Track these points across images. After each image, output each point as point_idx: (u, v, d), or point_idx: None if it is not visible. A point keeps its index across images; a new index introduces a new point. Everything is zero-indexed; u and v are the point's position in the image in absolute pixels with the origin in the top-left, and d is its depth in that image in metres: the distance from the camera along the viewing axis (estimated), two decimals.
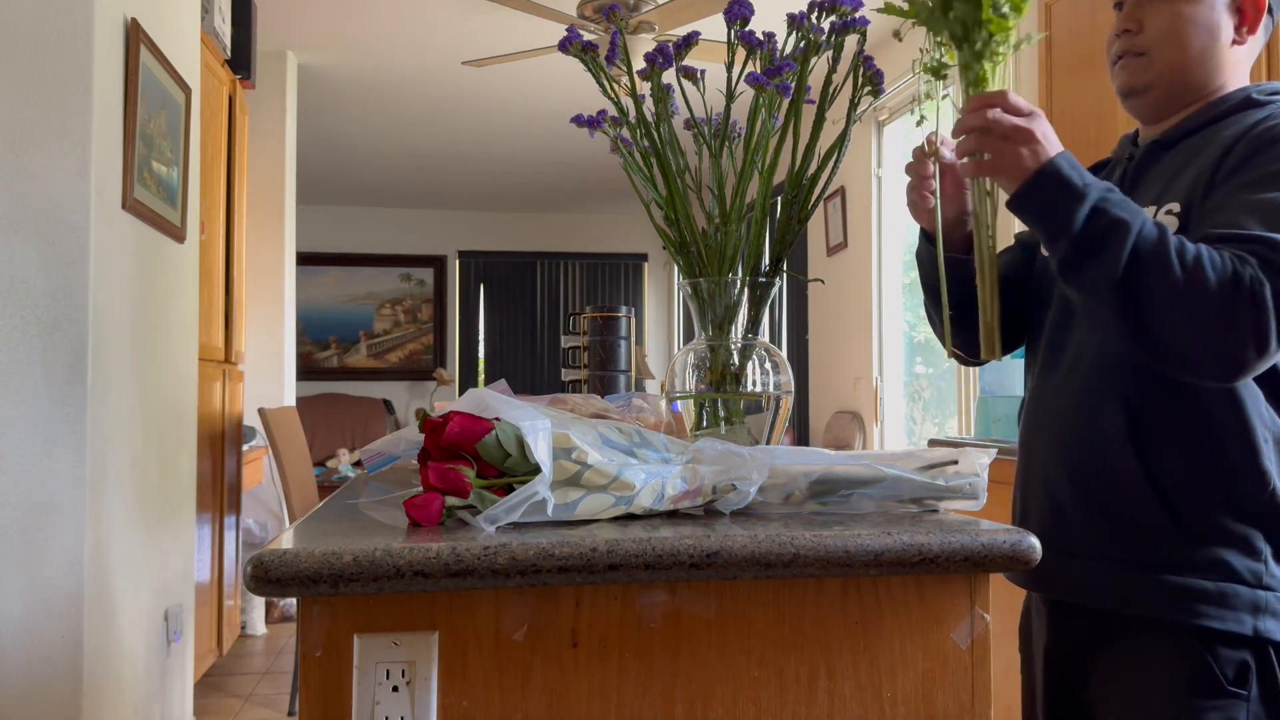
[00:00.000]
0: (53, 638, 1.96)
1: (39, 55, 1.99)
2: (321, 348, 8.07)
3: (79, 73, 2.02)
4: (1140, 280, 1.00)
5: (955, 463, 0.94)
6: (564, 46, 1.26)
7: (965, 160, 1.08)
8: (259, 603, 4.33)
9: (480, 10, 4.13)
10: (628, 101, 1.26)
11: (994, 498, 1.06)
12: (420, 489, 0.86)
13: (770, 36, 1.23)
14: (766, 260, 1.23)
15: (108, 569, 2.13)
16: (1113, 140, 1.44)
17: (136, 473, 2.33)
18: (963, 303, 1.20)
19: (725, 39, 1.25)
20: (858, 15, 1.21)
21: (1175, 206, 1.13)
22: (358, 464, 6.33)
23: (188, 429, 2.84)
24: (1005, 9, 1.05)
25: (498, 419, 0.85)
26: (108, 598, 2.13)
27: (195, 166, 2.85)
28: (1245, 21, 1.18)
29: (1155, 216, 1.13)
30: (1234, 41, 1.19)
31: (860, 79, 1.24)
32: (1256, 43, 1.21)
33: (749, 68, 1.22)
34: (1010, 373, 2.71)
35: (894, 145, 4.69)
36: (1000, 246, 1.31)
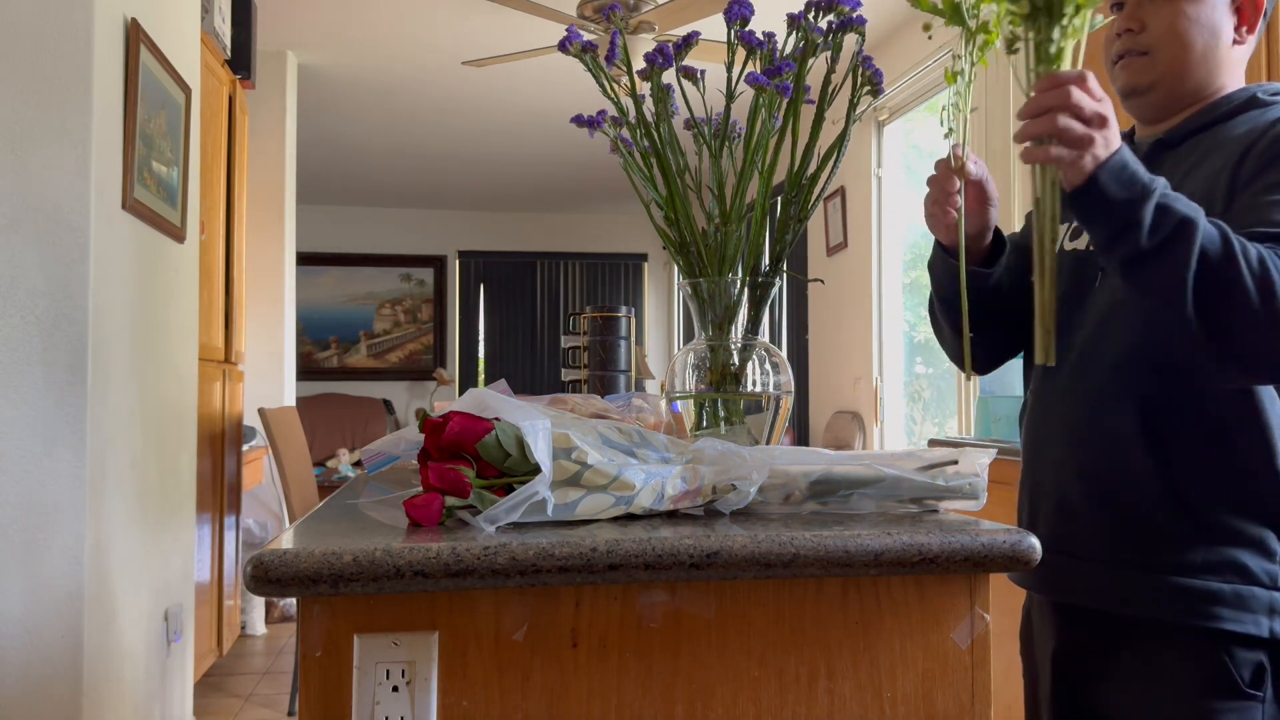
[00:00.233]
0: (53, 638, 1.96)
1: (39, 55, 1.99)
2: (321, 348, 8.07)
3: (79, 73, 2.02)
4: (1209, 280, 0.97)
5: (955, 463, 0.94)
6: (564, 46, 1.26)
7: (1030, 145, 1.00)
8: (259, 603, 4.33)
9: (480, 10, 4.13)
10: (628, 101, 1.26)
11: (994, 498, 1.06)
12: (420, 489, 0.86)
13: (770, 36, 1.23)
14: (766, 260, 1.23)
15: (108, 569, 2.13)
16: None
17: (136, 473, 2.33)
18: (976, 316, 1.17)
19: (725, 39, 1.25)
20: (856, 15, 1.21)
21: None
22: (358, 464, 6.33)
23: (188, 429, 2.84)
24: None
25: (498, 419, 0.85)
26: (108, 598, 2.13)
27: (195, 166, 2.85)
28: (1244, 21, 1.19)
29: None
30: (1234, 41, 1.19)
31: (860, 79, 1.24)
32: (1252, 43, 1.21)
33: (749, 68, 1.22)
34: (1010, 373, 2.71)
35: (894, 145, 4.69)
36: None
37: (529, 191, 7.62)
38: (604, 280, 8.48)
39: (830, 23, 1.21)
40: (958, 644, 0.84)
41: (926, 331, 4.74)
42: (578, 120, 1.27)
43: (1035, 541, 0.82)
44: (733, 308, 1.18)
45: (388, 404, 7.91)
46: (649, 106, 1.24)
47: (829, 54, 1.22)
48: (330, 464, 6.68)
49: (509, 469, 0.85)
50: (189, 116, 2.73)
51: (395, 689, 0.76)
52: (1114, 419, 1.14)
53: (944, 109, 1.10)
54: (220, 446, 3.45)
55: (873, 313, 4.70)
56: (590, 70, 1.27)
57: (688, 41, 1.26)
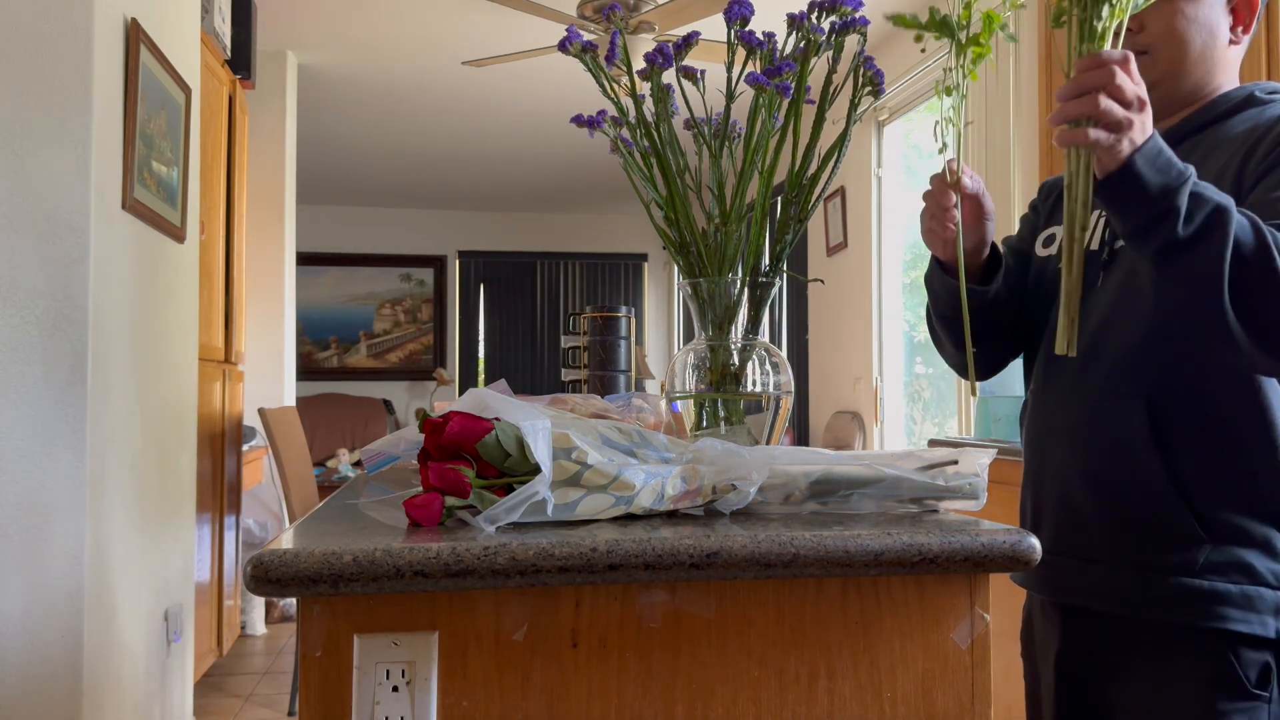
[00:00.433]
0: (53, 638, 1.96)
1: (39, 55, 1.99)
2: (321, 348, 8.07)
3: (79, 73, 2.02)
4: (1245, 268, 0.95)
5: (955, 463, 0.94)
6: (564, 46, 1.26)
7: (1066, 127, 0.97)
8: (259, 603, 4.33)
9: (480, 10, 4.13)
10: (628, 102, 1.26)
11: (994, 498, 1.06)
12: (420, 489, 0.86)
13: (770, 36, 1.23)
14: (766, 260, 1.23)
15: (108, 569, 2.13)
16: None
17: (136, 473, 2.33)
18: (975, 330, 1.16)
19: (725, 39, 1.25)
20: (858, 15, 1.20)
21: None
22: (358, 464, 6.33)
23: (188, 429, 2.84)
24: None
25: (498, 419, 0.85)
26: (108, 598, 2.13)
27: (195, 166, 2.85)
28: (1240, 21, 1.20)
29: None
30: (1230, 41, 1.20)
31: (860, 79, 1.24)
32: (1246, 42, 1.22)
33: (749, 68, 1.21)
34: (1010, 373, 2.70)
35: (894, 145, 4.69)
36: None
37: (529, 191, 7.62)
38: (604, 280, 8.48)
39: (833, 24, 1.21)
40: (958, 644, 0.84)
41: (926, 331, 4.74)
42: (578, 120, 1.27)
43: (1035, 542, 0.82)
44: (733, 308, 1.18)
45: (388, 404, 7.91)
46: (649, 106, 1.24)
47: (830, 54, 1.22)
48: (330, 464, 6.68)
49: (509, 469, 0.85)
50: (189, 116, 2.73)
51: (395, 689, 0.76)
52: (1118, 419, 1.14)
53: (938, 123, 1.08)
54: (220, 446, 3.45)
55: (873, 313, 4.70)
56: (590, 70, 1.27)
57: (688, 41, 1.26)
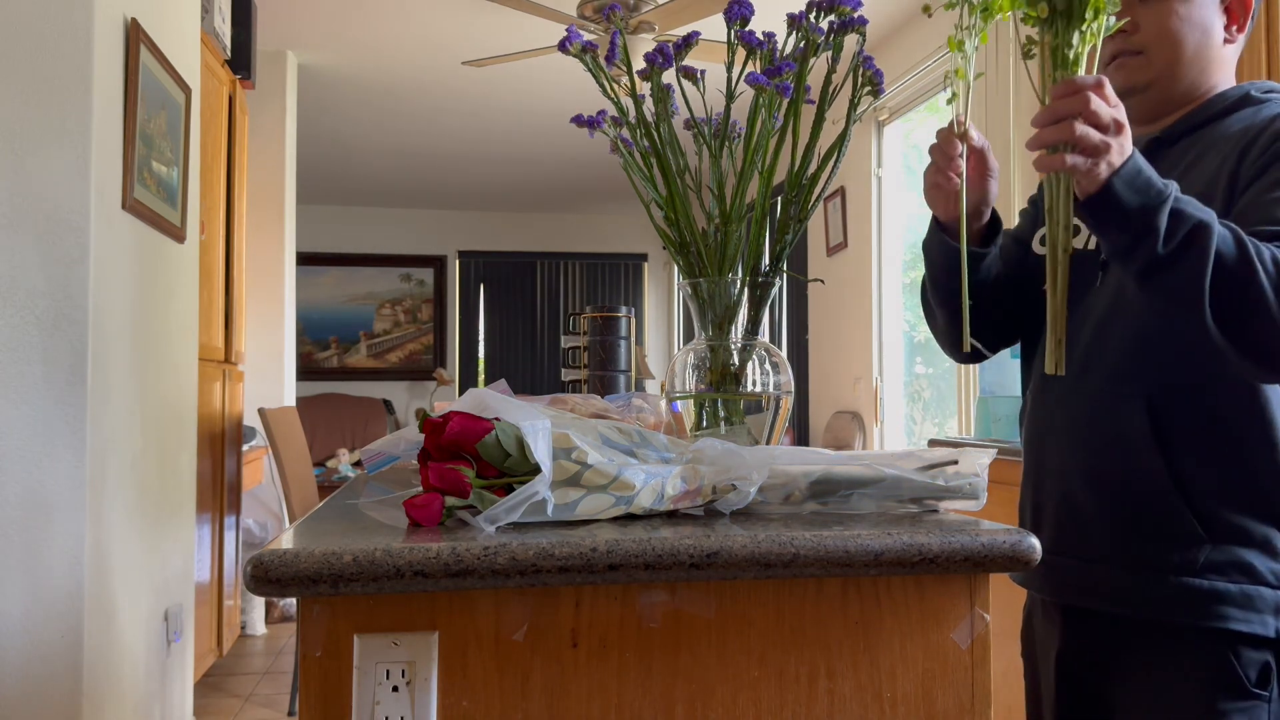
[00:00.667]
0: (53, 638, 1.96)
1: (39, 55, 1.99)
2: (321, 348, 8.07)
3: (79, 73, 2.02)
4: (1226, 283, 0.96)
5: (955, 463, 0.94)
6: (564, 46, 1.26)
7: (1044, 152, 0.98)
8: (259, 603, 4.33)
9: (480, 10, 4.13)
10: (628, 102, 1.26)
11: (994, 498, 1.06)
12: (420, 489, 0.86)
13: (770, 36, 1.23)
14: (766, 260, 1.23)
15: (108, 569, 2.13)
16: None
17: (136, 473, 2.33)
18: (973, 297, 1.15)
19: (725, 39, 1.25)
20: (857, 15, 1.21)
21: None
22: (358, 464, 6.33)
23: (188, 429, 2.84)
24: None
25: (498, 419, 0.85)
26: (108, 598, 2.13)
27: (195, 166, 2.85)
28: (1234, 21, 1.20)
29: None
30: (1225, 40, 1.20)
31: (860, 79, 1.24)
32: (1241, 41, 1.22)
33: (749, 68, 1.21)
34: (1010, 373, 2.71)
35: (894, 145, 4.69)
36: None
37: (529, 191, 7.62)
38: (604, 280, 8.48)
39: (831, 23, 1.21)
40: (958, 644, 0.84)
41: (926, 331, 4.73)
42: (578, 120, 1.27)
43: (1035, 542, 0.82)
44: (733, 308, 1.18)
45: (388, 404, 7.91)
46: (649, 106, 1.24)
47: (829, 54, 1.22)
48: (330, 464, 6.68)
49: (509, 469, 0.85)
50: (189, 116, 2.73)
51: (395, 689, 0.76)
52: (1119, 419, 1.14)
53: (947, 75, 1.08)
54: (220, 446, 3.45)
55: (873, 313, 4.70)
56: (590, 70, 1.27)
57: (688, 41, 1.26)
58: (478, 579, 0.74)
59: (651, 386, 5.31)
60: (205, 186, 3.19)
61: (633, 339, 3.63)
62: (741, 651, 0.81)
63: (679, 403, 1.19)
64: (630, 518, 0.87)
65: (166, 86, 2.52)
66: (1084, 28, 0.98)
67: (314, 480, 3.63)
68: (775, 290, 1.22)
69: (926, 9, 1.08)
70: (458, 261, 8.27)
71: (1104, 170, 0.96)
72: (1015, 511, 1.33)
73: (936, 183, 1.17)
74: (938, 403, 4.57)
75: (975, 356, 1.40)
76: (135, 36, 2.25)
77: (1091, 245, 1.24)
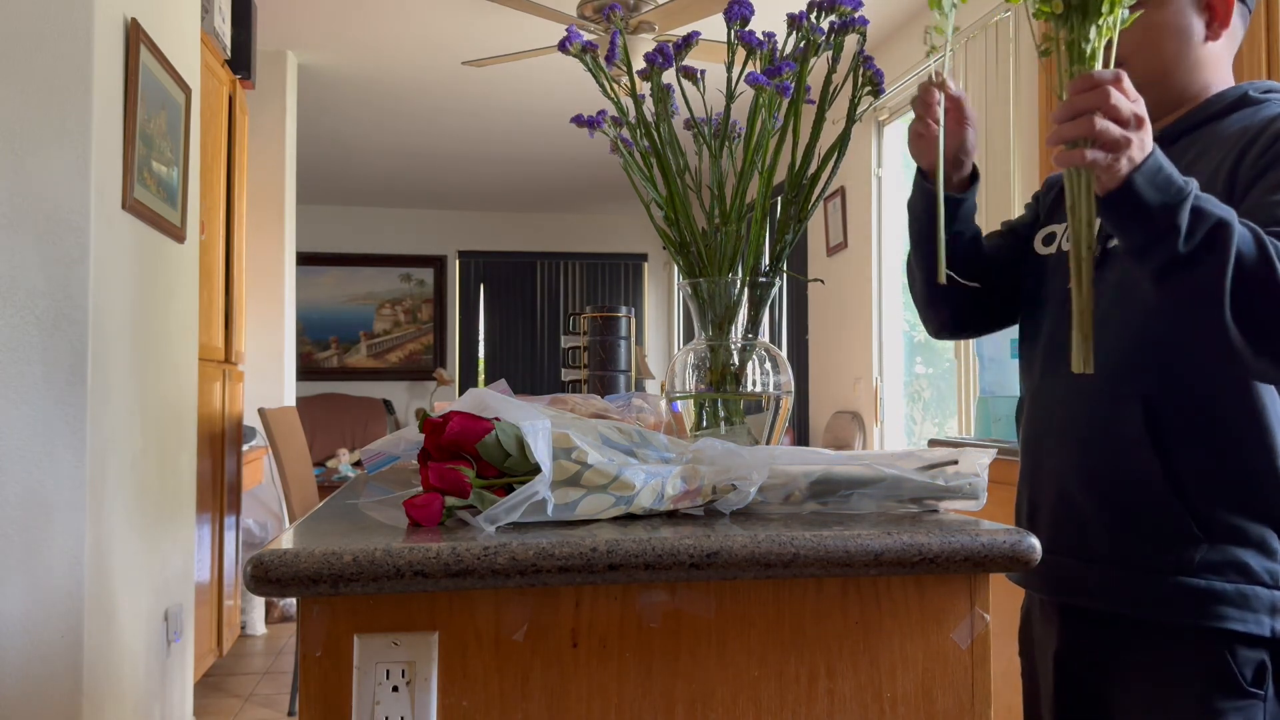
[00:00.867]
0: (53, 638, 1.96)
1: (39, 55, 1.99)
2: (321, 348, 8.07)
3: (79, 73, 2.02)
4: (1247, 282, 0.96)
5: (955, 463, 0.94)
6: (564, 46, 1.26)
7: (1063, 148, 0.97)
8: (259, 603, 4.33)
9: (480, 10, 4.13)
10: (628, 101, 1.26)
11: (994, 498, 1.06)
12: (420, 489, 0.86)
13: (770, 36, 1.23)
14: (766, 260, 1.23)
15: (108, 569, 2.13)
16: None
17: (136, 473, 2.33)
18: (952, 250, 1.20)
19: (725, 39, 1.25)
20: (858, 15, 1.21)
21: None
22: (358, 464, 6.34)
23: (188, 429, 2.84)
24: None
25: (498, 419, 0.85)
26: (108, 598, 2.13)
27: (195, 166, 2.85)
28: (1216, 18, 1.19)
29: None
30: (1207, 39, 1.19)
31: (860, 79, 1.24)
32: (1234, 35, 1.21)
33: (749, 68, 1.22)
34: (1010, 373, 2.71)
35: (894, 145, 4.69)
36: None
37: (529, 191, 7.62)
38: (604, 280, 8.48)
39: (831, 23, 1.21)
40: (958, 644, 0.84)
41: (926, 331, 4.74)
42: (578, 120, 1.27)
43: (1035, 542, 0.82)
44: (733, 308, 1.18)
45: (388, 404, 7.91)
46: (649, 106, 1.24)
47: (829, 54, 1.22)
48: (330, 464, 6.68)
49: (509, 469, 0.85)
50: (189, 116, 2.73)
51: (395, 689, 0.76)
52: (1116, 420, 1.14)
53: (928, 30, 1.10)
54: (220, 446, 3.45)
55: (873, 313, 4.70)
56: (590, 70, 1.27)
57: (688, 41, 1.26)
58: (478, 579, 0.74)
59: (651, 386, 5.31)
60: (205, 186, 3.19)
61: (633, 339, 3.63)
62: (741, 651, 0.81)
63: (679, 403, 1.19)
64: (630, 518, 0.87)
65: (166, 86, 2.52)
66: (1100, 21, 0.97)
67: (314, 480, 3.63)
68: (775, 290, 1.22)
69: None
70: (458, 261, 8.27)
71: (1124, 165, 0.95)
72: (1014, 511, 1.33)
73: (918, 131, 1.20)
74: (938, 403, 4.57)
75: (955, 329, 1.41)
76: (135, 36, 2.25)
77: (1124, 251, 1.24)
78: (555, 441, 0.85)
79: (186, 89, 2.70)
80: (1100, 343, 1.17)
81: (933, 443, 2.97)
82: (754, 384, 1.18)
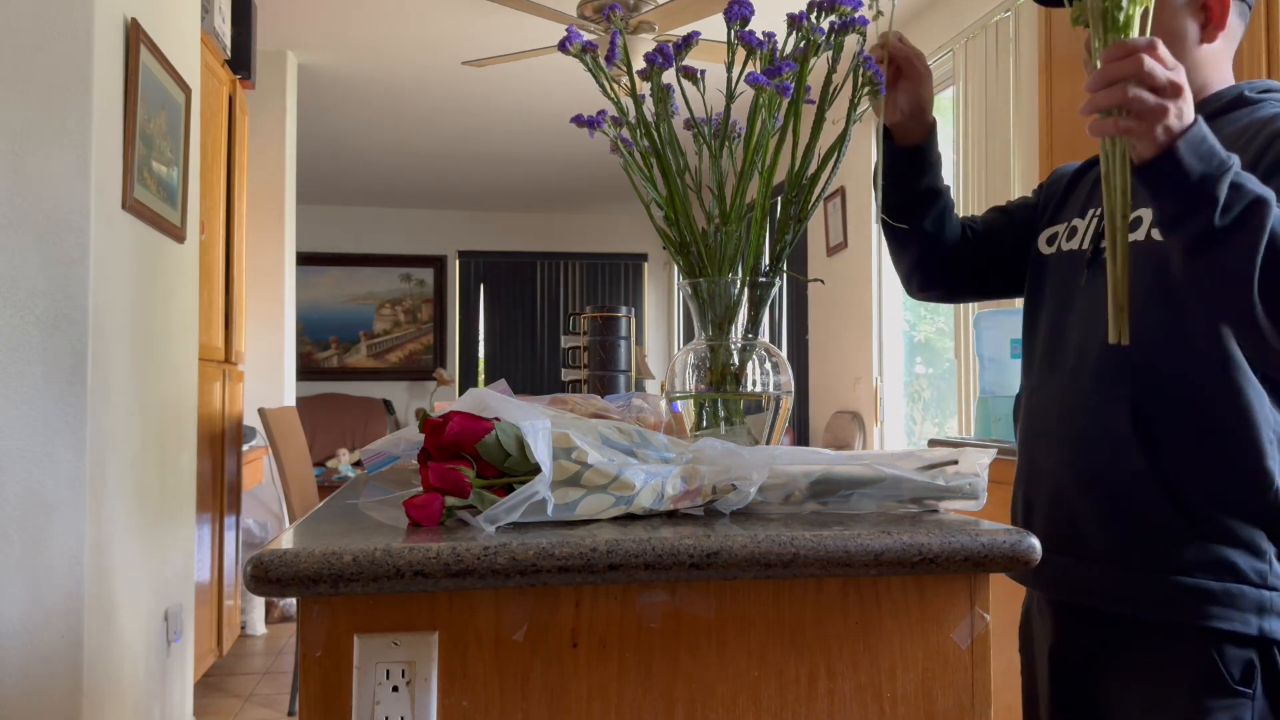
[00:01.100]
0: (53, 638, 1.96)
1: (39, 55, 1.99)
2: (321, 348, 8.07)
3: (79, 73, 2.02)
4: (1277, 261, 0.94)
5: (955, 463, 0.94)
6: (564, 46, 1.26)
7: (1098, 117, 0.96)
8: (259, 603, 4.33)
9: (480, 10, 4.13)
10: (628, 102, 1.26)
11: (994, 498, 1.06)
12: (420, 489, 0.86)
13: (770, 36, 1.23)
14: (766, 260, 1.23)
15: (108, 569, 2.13)
16: None
17: (136, 473, 2.33)
18: (921, 225, 1.30)
19: (725, 39, 1.25)
20: (858, 15, 1.20)
21: None
22: (358, 464, 6.33)
23: (188, 429, 2.84)
24: None
25: (498, 419, 0.85)
26: (108, 598, 2.13)
27: (195, 166, 2.85)
28: (1211, 20, 1.18)
29: None
30: (1202, 40, 1.19)
31: (860, 79, 1.24)
32: (1232, 34, 1.20)
33: (749, 68, 1.21)
34: (1010, 373, 2.71)
35: None
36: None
37: (529, 191, 7.62)
38: (604, 280, 8.48)
39: (832, 23, 1.21)
40: (958, 644, 0.84)
41: (926, 331, 4.74)
42: (578, 120, 1.27)
43: (1035, 541, 0.82)
44: (733, 308, 1.18)
45: (388, 404, 7.91)
46: (649, 106, 1.24)
47: (829, 54, 1.22)
48: (330, 464, 6.68)
49: (509, 469, 0.85)
50: (189, 116, 2.73)
51: (395, 689, 0.76)
52: (1106, 419, 1.15)
53: None
54: (220, 446, 3.45)
55: (873, 313, 4.70)
56: (590, 70, 1.27)
57: (688, 41, 1.26)
58: (478, 579, 0.74)
59: (651, 386, 5.31)
60: (205, 186, 3.19)
61: (633, 339, 3.63)
62: (741, 651, 0.81)
63: (679, 403, 1.19)
64: (630, 518, 0.87)
65: (166, 86, 2.52)
66: None
67: (314, 480, 3.63)
68: (775, 290, 1.22)
69: None
70: (458, 261, 8.27)
71: (1161, 134, 0.94)
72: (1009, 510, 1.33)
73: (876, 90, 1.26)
74: (938, 403, 4.57)
75: (925, 286, 1.45)
76: (135, 36, 2.25)
77: (1081, 245, 1.25)
78: (555, 441, 0.85)
79: (186, 89, 2.70)
80: (1091, 342, 1.18)
81: (933, 443, 2.97)
82: (754, 384, 1.18)
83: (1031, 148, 3.33)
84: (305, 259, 7.48)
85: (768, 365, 1.19)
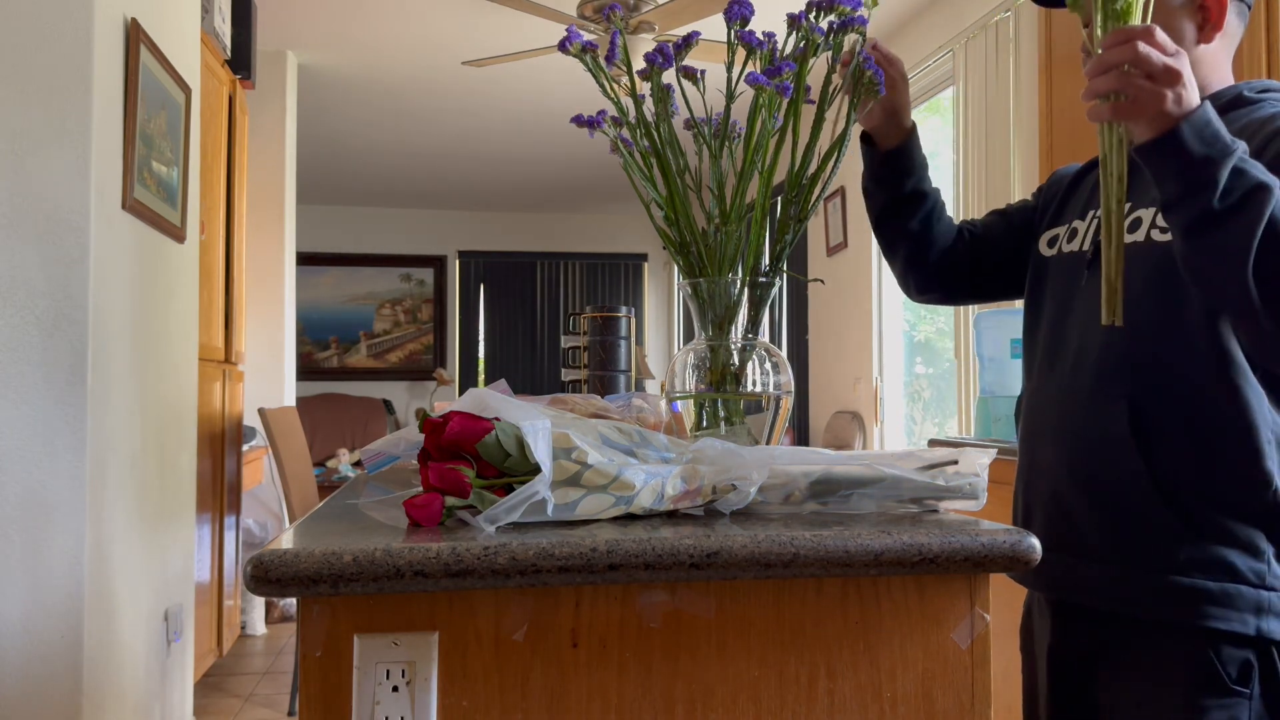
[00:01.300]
0: (53, 638, 1.96)
1: (39, 55, 1.99)
2: (321, 348, 8.07)
3: (79, 73, 2.02)
4: (1274, 247, 0.94)
5: (955, 463, 0.94)
6: (564, 46, 1.26)
7: (1097, 103, 0.97)
8: (259, 603, 4.33)
9: (480, 10, 4.13)
10: (628, 101, 1.26)
11: (994, 498, 1.06)
12: (420, 489, 0.86)
13: (770, 36, 1.23)
14: (766, 260, 1.23)
15: (108, 569, 2.13)
16: None
17: (136, 473, 2.33)
18: (914, 225, 1.34)
19: (725, 39, 1.25)
20: (858, 15, 1.21)
21: None
22: (358, 464, 6.33)
23: (188, 429, 2.84)
24: None
25: (498, 419, 0.85)
26: (108, 598, 2.13)
27: (195, 166, 2.85)
28: (1209, 20, 1.18)
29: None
30: (1200, 41, 1.18)
31: (856, 82, 1.24)
32: (1231, 34, 1.20)
33: (749, 68, 1.21)
34: (1010, 373, 2.71)
35: None
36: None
37: (529, 191, 7.62)
38: (604, 280, 8.48)
39: (831, 23, 1.21)
40: (958, 644, 0.84)
41: (926, 331, 4.74)
42: (578, 120, 1.27)
43: (1035, 541, 0.82)
44: (733, 308, 1.18)
45: (388, 404, 7.91)
46: (649, 106, 1.24)
47: (829, 54, 1.22)
48: (330, 464, 6.68)
49: (509, 469, 0.85)
50: (189, 116, 2.73)
51: (395, 689, 0.76)
52: (1103, 419, 1.15)
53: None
54: (220, 446, 3.45)
55: (873, 313, 4.70)
56: (590, 70, 1.27)
57: (688, 41, 1.26)
58: (478, 579, 0.74)
59: (651, 386, 5.31)
60: (205, 186, 3.19)
61: (633, 339, 3.63)
62: (741, 651, 0.81)
63: (679, 403, 1.19)
64: (630, 518, 0.87)
65: (166, 86, 2.52)
66: None
67: (314, 480, 3.63)
68: (775, 290, 1.22)
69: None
70: (458, 261, 8.27)
71: (1156, 119, 0.95)
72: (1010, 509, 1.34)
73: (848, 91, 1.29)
74: (938, 403, 4.57)
75: (922, 288, 1.47)
76: (135, 36, 2.25)
77: (1082, 246, 1.25)
78: (555, 441, 0.85)
79: (186, 89, 2.70)
80: (1090, 343, 1.18)
81: (933, 443, 2.97)
82: (754, 384, 1.18)
83: (1031, 148, 3.33)
84: (305, 259, 7.48)
85: (768, 365, 1.19)
